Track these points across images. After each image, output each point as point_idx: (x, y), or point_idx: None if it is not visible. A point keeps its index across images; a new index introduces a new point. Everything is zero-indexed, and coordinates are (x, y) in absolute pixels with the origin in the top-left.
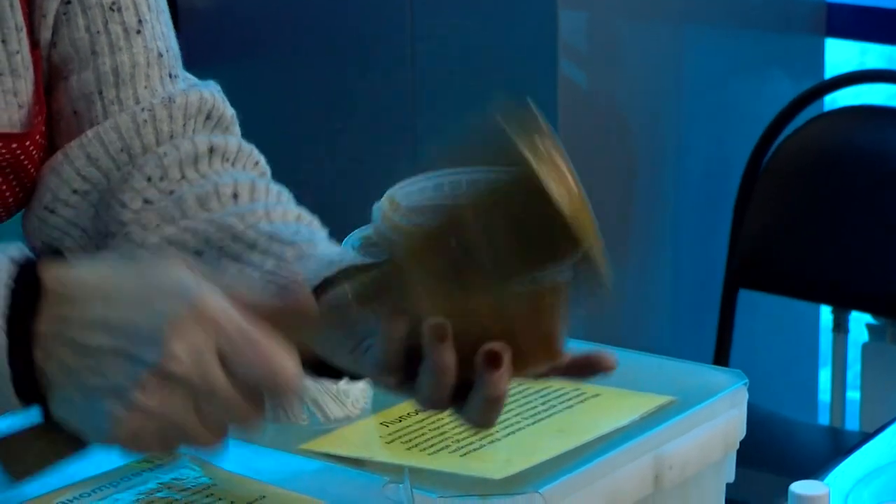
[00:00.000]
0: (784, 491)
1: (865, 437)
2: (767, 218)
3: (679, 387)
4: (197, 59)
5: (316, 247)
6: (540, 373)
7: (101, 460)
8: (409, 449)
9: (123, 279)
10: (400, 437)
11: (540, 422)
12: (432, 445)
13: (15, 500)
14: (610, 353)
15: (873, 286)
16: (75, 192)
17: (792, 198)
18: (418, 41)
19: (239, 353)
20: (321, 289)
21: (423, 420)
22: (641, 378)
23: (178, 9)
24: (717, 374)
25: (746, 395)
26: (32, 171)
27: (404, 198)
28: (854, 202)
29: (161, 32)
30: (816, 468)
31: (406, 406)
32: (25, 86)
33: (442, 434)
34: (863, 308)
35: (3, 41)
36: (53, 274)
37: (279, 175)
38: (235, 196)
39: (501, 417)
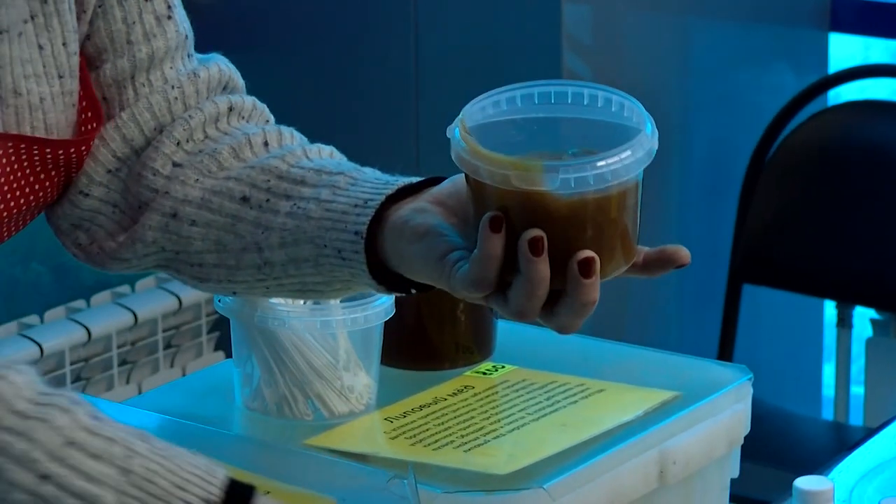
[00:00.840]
0: (788, 486)
1: (869, 433)
2: (771, 213)
3: (683, 382)
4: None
5: (364, 172)
6: (620, 272)
7: None
8: (413, 444)
9: None
10: (404, 432)
11: (544, 417)
12: (436, 441)
13: None
14: (681, 248)
15: (877, 281)
16: (108, 171)
17: (796, 193)
18: (422, 34)
19: None
20: (384, 206)
21: (428, 415)
22: (646, 373)
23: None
24: (721, 370)
25: (751, 391)
26: (80, 166)
27: (469, 118)
28: (858, 197)
29: (183, 14)
30: (820, 463)
31: (410, 402)
32: (77, 86)
33: (446, 429)
34: (867, 303)
35: (64, 44)
36: None
37: None
38: (266, 144)
39: (506, 413)
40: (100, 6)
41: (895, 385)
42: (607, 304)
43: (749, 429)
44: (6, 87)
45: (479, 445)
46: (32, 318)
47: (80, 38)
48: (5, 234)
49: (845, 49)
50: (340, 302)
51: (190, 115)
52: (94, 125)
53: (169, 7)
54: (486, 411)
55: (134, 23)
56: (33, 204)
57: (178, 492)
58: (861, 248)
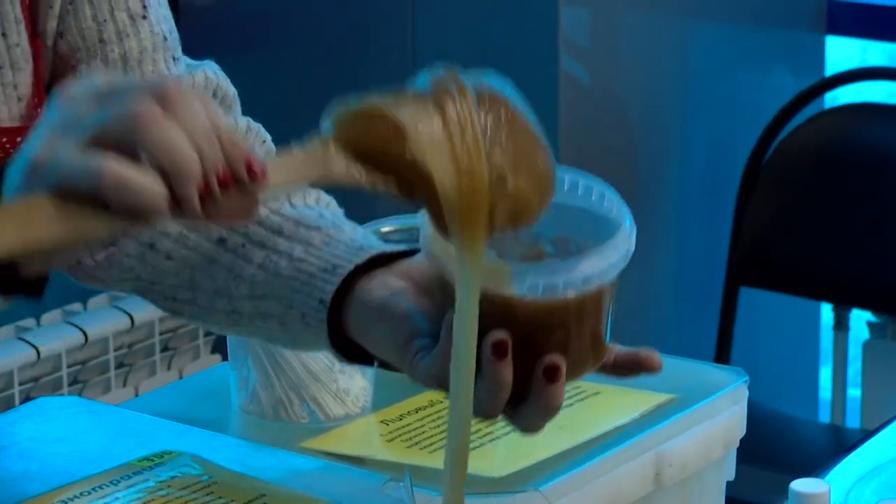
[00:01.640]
0: (785, 489)
1: (866, 435)
2: (768, 215)
3: (680, 384)
4: (194, 55)
5: (343, 231)
6: (588, 373)
7: (103, 459)
8: (409, 447)
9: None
10: (400, 435)
11: None
12: (432, 444)
13: (15, 500)
14: (655, 352)
15: (874, 284)
16: None
17: (793, 195)
18: (419, 37)
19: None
20: (353, 275)
21: (424, 418)
22: (642, 376)
23: (178, 4)
24: (717, 372)
25: (747, 393)
26: None
27: None
28: (855, 199)
29: (163, 16)
30: (817, 466)
31: (406, 404)
32: (25, 78)
33: (442, 432)
34: (863, 305)
35: (3, 34)
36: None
37: None
38: None
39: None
40: (70, 3)
41: (892, 387)
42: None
43: (745, 431)
44: None
45: (475, 448)
46: (29, 322)
47: (50, 34)
48: None
49: (842, 52)
50: None
51: None
52: (40, 111)
53: (144, 6)
54: None
55: (105, 21)
56: None
57: None
58: (858, 250)
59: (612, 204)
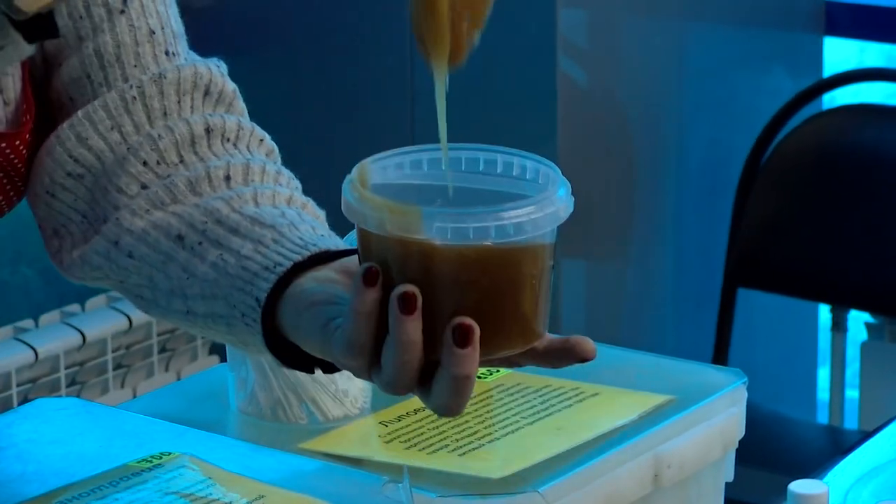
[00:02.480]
0: (783, 490)
1: (864, 436)
2: (766, 216)
3: (678, 386)
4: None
5: (297, 229)
6: (514, 356)
7: (101, 460)
8: (408, 448)
9: None
10: (399, 436)
11: (539, 421)
12: (431, 445)
13: (13, 501)
14: (588, 340)
15: (872, 285)
16: (69, 174)
17: (791, 196)
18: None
19: None
20: (292, 272)
21: (423, 419)
22: (640, 377)
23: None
24: (715, 373)
25: (745, 394)
26: (23, 169)
27: (379, 172)
28: (853, 200)
29: (154, 10)
30: (815, 467)
31: (405, 405)
32: (13, 83)
33: (441, 433)
34: (861, 307)
35: None
36: None
37: None
38: (228, 179)
39: (500, 417)
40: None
41: (890, 388)
42: (602, 308)
43: (744, 432)
44: None
45: (473, 449)
46: (27, 322)
47: None
48: None
49: (840, 53)
50: None
51: (159, 135)
52: (28, 117)
53: (124, 1)
54: (481, 415)
55: (81, 17)
56: None
57: None
58: (856, 251)
59: (548, 178)
